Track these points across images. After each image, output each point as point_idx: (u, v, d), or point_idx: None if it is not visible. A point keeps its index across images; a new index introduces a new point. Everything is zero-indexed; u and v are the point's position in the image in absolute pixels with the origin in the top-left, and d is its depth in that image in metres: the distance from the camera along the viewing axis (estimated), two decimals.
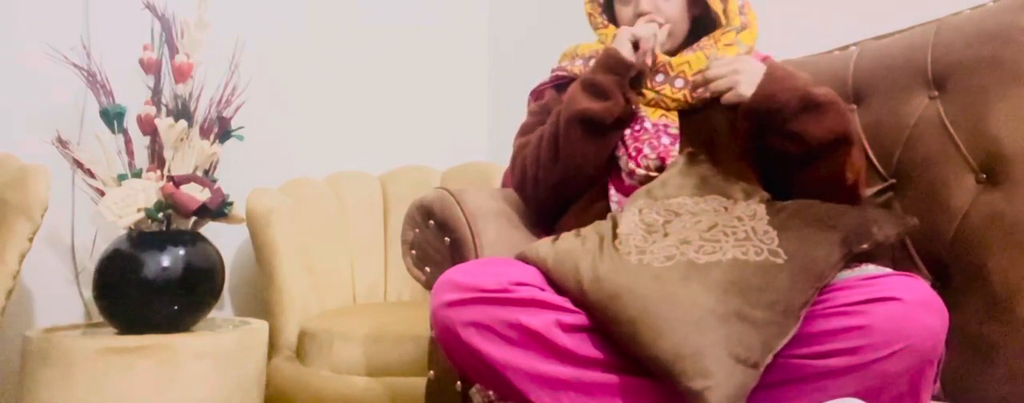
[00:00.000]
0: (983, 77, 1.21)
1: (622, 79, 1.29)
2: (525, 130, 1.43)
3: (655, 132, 1.29)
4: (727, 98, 1.19)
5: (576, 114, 1.28)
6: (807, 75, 1.20)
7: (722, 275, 0.99)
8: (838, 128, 1.15)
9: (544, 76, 1.47)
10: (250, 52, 1.99)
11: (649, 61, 1.32)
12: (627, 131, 1.30)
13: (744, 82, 1.17)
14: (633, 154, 1.29)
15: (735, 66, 1.19)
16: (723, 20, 1.33)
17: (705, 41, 1.34)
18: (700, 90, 1.25)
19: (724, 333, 0.93)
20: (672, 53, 1.35)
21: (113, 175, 1.77)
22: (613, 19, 1.42)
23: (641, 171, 1.27)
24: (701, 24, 1.38)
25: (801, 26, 1.69)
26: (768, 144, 1.20)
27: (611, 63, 1.29)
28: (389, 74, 2.65)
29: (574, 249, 1.10)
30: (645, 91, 1.32)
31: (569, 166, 1.30)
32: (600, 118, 1.27)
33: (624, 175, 1.30)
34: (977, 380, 1.13)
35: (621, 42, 1.29)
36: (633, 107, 1.30)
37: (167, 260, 1.74)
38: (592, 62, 1.36)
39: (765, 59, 1.38)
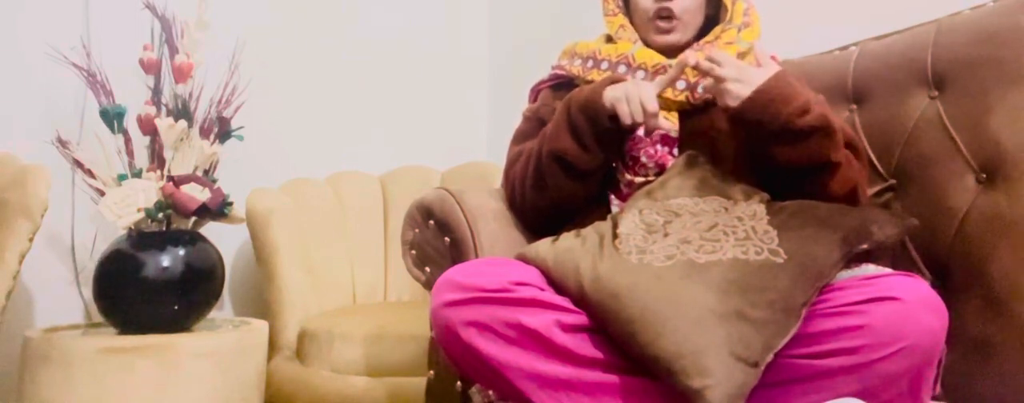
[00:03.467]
0: (983, 77, 1.21)
1: (601, 131, 1.23)
2: (518, 137, 1.42)
3: (651, 139, 1.28)
4: (720, 101, 1.17)
5: (554, 152, 1.26)
6: (807, 95, 1.15)
7: (722, 274, 0.99)
8: (816, 155, 1.14)
9: (544, 75, 1.47)
10: (250, 52, 1.99)
11: (640, 128, 1.23)
12: None
13: (734, 92, 1.13)
14: (630, 164, 1.28)
15: (737, 74, 1.15)
16: (729, 15, 1.33)
17: (710, 38, 1.33)
18: (706, 82, 1.20)
19: (724, 332, 0.93)
20: (682, 47, 1.33)
21: (113, 175, 1.77)
22: (627, 4, 1.39)
23: (639, 180, 1.27)
24: (713, 20, 1.37)
25: (801, 26, 1.69)
26: (754, 154, 1.20)
27: (593, 116, 1.23)
28: (389, 74, 2.65)
29: (574, 249, 1.10)
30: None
31: (554, 198, 1.30)
32: (577, 164, 1.25)
33: (622, 185, 1.29)
34: (977, 380, 1.13)
35: (612, 99, 1.21)
36: (613, 164, 1.27)
37: (167, 260, 1.74)
38: (590, 63, 1.36)
39: (770, 58, 1.38)
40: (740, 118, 1.15)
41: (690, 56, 1.20)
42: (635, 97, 1.19)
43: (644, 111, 1.19)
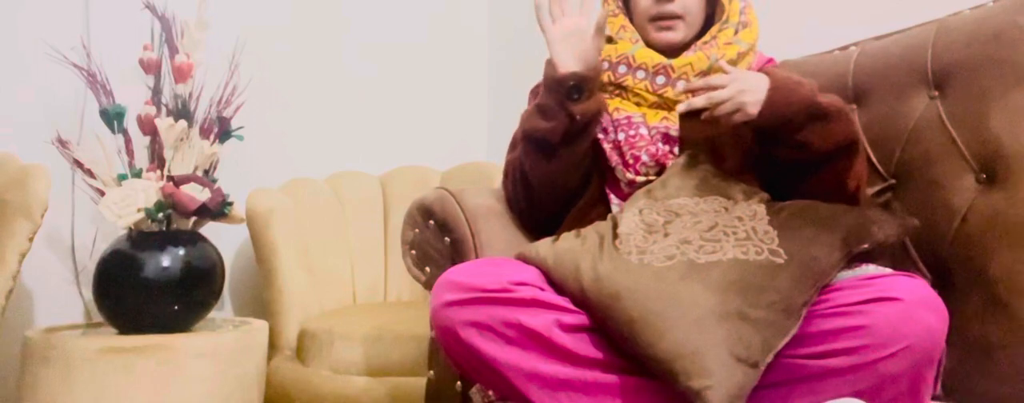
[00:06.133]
0: (983, 77, 1.21)
1: (560, 97, 1.24)
2: (515, 142, 1.42)
3: (651, 138, 1.28)
4: (735, 119, 1.15)
5: (525, 134, 1.29)
6: (811, 81, 1.17)
7: (722, 275, 0.99)
8: (844, 136, 1.15)
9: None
10: (250, 52, 1.99)
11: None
12: (621, 136, 1.29)
13: (750, 102, 1.13)
14: (631, 162, 1.28)
15: (738, 86, 1.14)
16: (725, 15, 1.32)
17: (706, 39, 1.33)
18: (705, 114, 1.18)
19: (724, 332, 0.93)
20: (684, 46, 1.32)
21: (113, 175, 1.77)
22: (627, 5, 1.38)
23: (640, 179, 1.27)
24: (711, 20, 1.36)
25: (801, 26, 1.69)
26: (773, 152, 1.19)
27: (548, 82, 1.26)
28: (389, 74, 2.65)
29: (574, 249, 1.10)
30: (642, 92, 1.29)
31: (540, 184, 1.30)
32: (546, 138, 1.26)
33: (623, 185, 1.29)
34: (977, 380, 1.13)
35: (554, 54, 1.26)
36: (579, 119, 1.25)
37: (167, 260, 1.74)
38: None
39: (769, 62, 1.38)
40: (767, 123, 1.14)
41: (681, 86, 1.21)
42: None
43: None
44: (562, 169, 1.29)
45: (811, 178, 1.18)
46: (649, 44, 1.33)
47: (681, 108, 1.19)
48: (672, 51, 1.31)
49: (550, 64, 1.26)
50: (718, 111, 1.15)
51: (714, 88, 1.16)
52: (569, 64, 1.25)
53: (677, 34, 1.31)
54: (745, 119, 1.15)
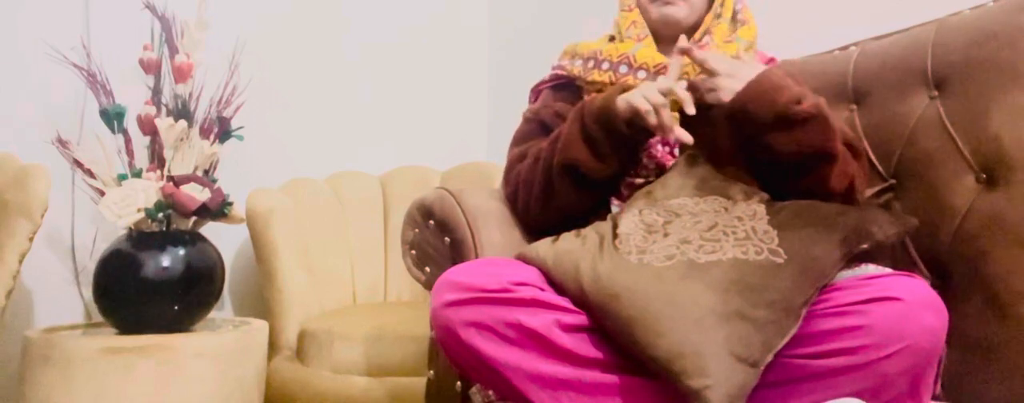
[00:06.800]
0: (983, 77, 1.21)
1: (627, 145, 1.22)
2: (519, 138, 1.41)
3: (652, 140, 1.28)
4: (708, 98, 1.17)
5: (569, 164, 1.23)
6: (802, 88, 1.16)
7: (722, 274, 0.99)
8: (815, 144, 1.13)
9: (544, 75, 1.47)
10: (250, 52, 1.99)
11: (665, 122, 1.16)
12: None
13: (726, 88, 1.14)
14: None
15: (728, 69, 1.16)
16: (719, 9, 1.32)
17: (702, 32, 1.33)
18: (697, 82, 1.20)
19: (724, 332, 0.93)
20: (685, 26, 1.32)
21: (113, 175, 1.77)
22: None
23: (639, 181, 1.27)
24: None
25: (801, 26, 1.69)
26: (748, 148, 1.19)
27: (609, 126, 1.20)
28: (389, 74, 2.66)
29: (574, 249, 1.10)
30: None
31: (563, 208, 1.28)
32: (592, 175, 1.24)
33: (622, 187, 1.29)
34: (977, 380, 1.13)
35: (631, 106, 1.18)
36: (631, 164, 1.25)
37: (167, 260, 1.74)
38: (591, 63, 1.35)
39: (771, 61, 1.38)
40: (735, 111, 1.15)
41: (683, 40, 1.21)
42: (654, 100, 1.16)
43: (662, 116, 1.16)
44: (593, 198, 1.28)
45: (791, 179, 1.17)
46: (652, 26, 1.33)
47: (680, 44, 1.19)
48: (674, 27, 1.31)
49: (614, 112, 1.20)
50: (703, 82, 1.18)
51: (711, 71, 1.17)
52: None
53: (678, 10, 1.31)
54: (715, 101, 1.16)
